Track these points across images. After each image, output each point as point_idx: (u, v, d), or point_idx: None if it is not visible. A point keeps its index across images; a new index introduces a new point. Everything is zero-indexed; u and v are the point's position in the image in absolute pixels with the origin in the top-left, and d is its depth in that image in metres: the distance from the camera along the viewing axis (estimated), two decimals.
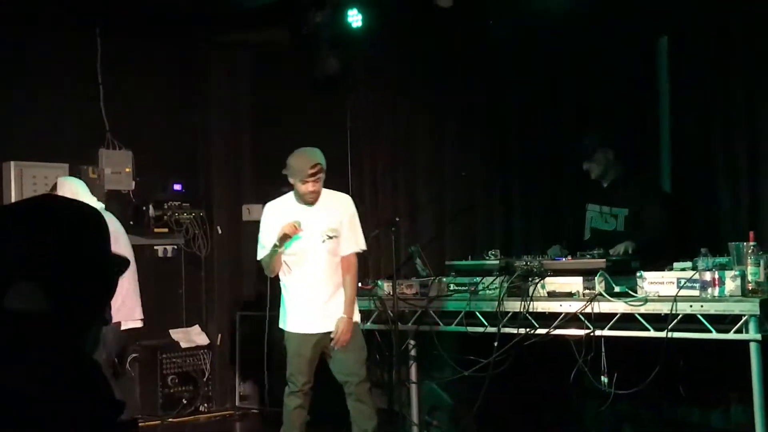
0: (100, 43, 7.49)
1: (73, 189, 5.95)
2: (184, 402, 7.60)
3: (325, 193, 5.46)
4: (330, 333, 5.36)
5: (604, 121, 6.31)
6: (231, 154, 8.45)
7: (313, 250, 5.32)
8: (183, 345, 7.72)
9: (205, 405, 7.86)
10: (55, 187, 6.11)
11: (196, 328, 8.02)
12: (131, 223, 7.36)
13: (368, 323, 6.06)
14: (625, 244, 5.57)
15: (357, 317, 5.49)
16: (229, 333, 8.26)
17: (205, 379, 7.85)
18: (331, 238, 5.33)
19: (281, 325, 5.51)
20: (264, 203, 8.31)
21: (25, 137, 7.09)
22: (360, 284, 6.29)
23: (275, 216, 5.42)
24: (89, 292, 1.68)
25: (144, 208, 7.45)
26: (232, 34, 8.05)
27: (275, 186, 8.28)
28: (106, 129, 7.53)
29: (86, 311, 1.69)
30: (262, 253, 5.42)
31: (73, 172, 7.29)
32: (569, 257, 5.48)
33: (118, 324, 5.89)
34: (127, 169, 7.58)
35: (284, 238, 5.26)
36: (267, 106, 8.37)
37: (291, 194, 5.49)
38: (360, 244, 5.47)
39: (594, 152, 5.91)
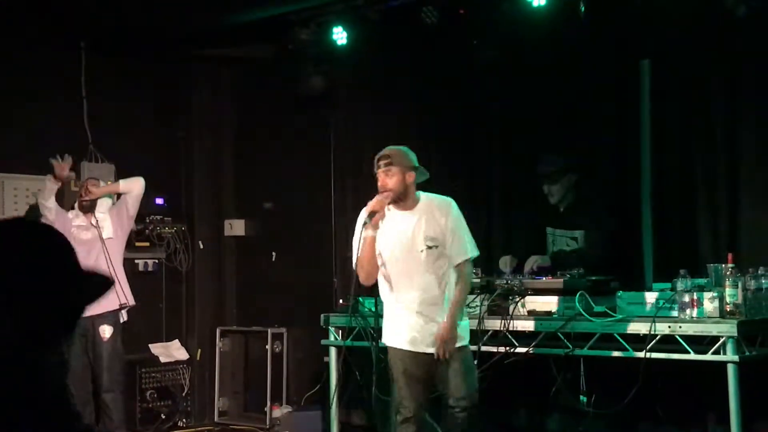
0: (85, 56, 7.51)
1: None
2: (163, 417, 7.57)
3: (425, 197, 4.92)
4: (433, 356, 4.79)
5: (586, 144, 6.35)
6: (213, 169, 8.46)
7: (412, 260, 4.78)
8: (162, 360, 7.70)
9: (184, 420, 7.83)
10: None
11: (176, 342, 8.00)
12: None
13: (349, 340, 6.06)
14: (534, 259, 5.70)
15: (464, 334, 4.83)
16: (209, 348, 8.24)
17: (184, 394, 7.83)
18: (431, 247, 4.76)
19: (384, 341, 4.99)
20: (245, 218, 8.40)
21: (8, 149, 7.08)
22: (341, 301, 6.31)
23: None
24: (51, 315, 1.68)
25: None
26: (216, 49, 8.07)
27: (257, 201, 8.32)
28: (89, 142, 7.52)
29: (50, 333, 1.69)
30: (355, 257, 4.89)
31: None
32: (549, 276, 5.50)
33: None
34: (110, 182, 7.56)
35: (374, 217, 4.73)
36: (250, 122, 8.39)
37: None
38: (469, 250, 4.84)
39: (560, 176, 5.96)
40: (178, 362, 7.78)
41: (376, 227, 4.74)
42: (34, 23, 7.04)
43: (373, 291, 5.91)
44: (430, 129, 7.21)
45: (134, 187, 6.64)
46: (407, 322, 4.80)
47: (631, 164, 6.23)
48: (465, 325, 4.84)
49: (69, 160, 6.41)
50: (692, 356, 4.72)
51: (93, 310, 5.59)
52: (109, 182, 6.91)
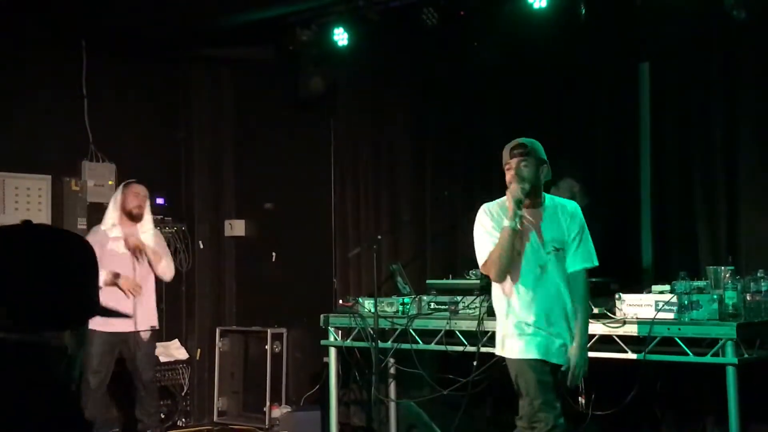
0: (86, 56, 7.52)
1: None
2: (162, 416, 7.57)
3: (550, 199, 4.63)
4: (560, 366, 4.48)
5: (585, 147, 6.37)
6: (213, 170, 8.47)
7: (538, 264, 4.47)
8: (162, 359, 7.70)
9: (183, 420, 7.84)
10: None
11: (176, 342, 8.01)
12: None
13: (348, 340, 6.08)
14: None
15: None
16: (208, 348, 8.25)
17: (183, 394, 7.84)
18: (558, 250, 4.49)
19: (499, 351, 4.62)
20: (245, 219, 8.41)
21: (9, 148, 7.10)
22: (341, 301, 6.33)
23: (493, 216, 4.58)
24: (59, 316, 1.71)
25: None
26: (216, 50, 8.09)
27: (257, 202, 8.34)
28: (90, 141, 7.54)
29: (56, 335, 1.71)
30: (485, 253, 4.51)
31: (56, 184, 7.31)
32: None
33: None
34: (110, 182, 7.59)
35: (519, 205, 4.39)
36: (250, 123, 8.41)
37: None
38: (591, 258, 4.56)
39: (560, 180, 5.96)
40: (177, 362, 7.79)
41: (519, 220, 4.39)
42: (35, 22, 7.06)
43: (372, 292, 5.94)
44: (429, 130, 7.22)
45: (167, 273, 6.91)
46: (531, 330, 4.45)
47: (630, 167, 6.24)
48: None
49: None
50: (691, 358, 4.73)
51: (126, 328, 6.42)
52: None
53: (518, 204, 4.37)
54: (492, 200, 6.85)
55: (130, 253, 6.61)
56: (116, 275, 6.48)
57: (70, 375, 1.76)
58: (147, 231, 6.77)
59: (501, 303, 4.55)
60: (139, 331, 6.60)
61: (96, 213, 7.48)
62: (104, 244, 6.49)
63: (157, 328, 6.88)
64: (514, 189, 4.41)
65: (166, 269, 6.85)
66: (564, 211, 4.57)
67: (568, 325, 4.47)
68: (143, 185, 6.80)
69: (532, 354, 4.41)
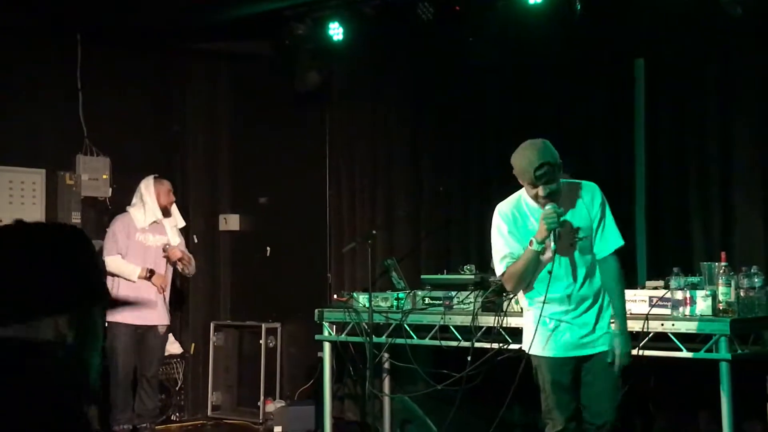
0: (81, 49, 7.50)
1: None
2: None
3: (566, 186, 4.37)
4: (590, 357, 4.35)
5: (580, 142, 6.37)
6: (209, 164, 8.46)
7: (561, 256, 4.28)
8: None
9: (177, 414, 7.84)
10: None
11: (170, 336, 8.00)
12: (107, 230, 7.34)
13: (342, 335, 6.08)
14: None
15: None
16: (203, 342, 8.25)
17: (177, 389, 7.84)
18: (582, 239, 4.30)
19: (525, 347, 4.53)
20: (240, 213, 8.41)
21: (3, 141, 7.08)
22: (335, 296, 6.33)
23: (509, 218, 4.42)
24: (51, 301, 1.71)
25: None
26: (212, 43, 8.07)
27: (252, 196, 8.33)
28: (85, 135, 7.52)
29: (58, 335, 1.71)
30: (503, 264, 4.39)
31: (50, 178, 7.30)
32: None
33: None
34: (105, 176, 7.58)
35: (544, 232, 4.19)
36: (246, 117, 8.39)
37: (522, 191, 4.44)
38: (618, 239, 4.36)
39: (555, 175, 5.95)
40: (171, 356, 7.78)
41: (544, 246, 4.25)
42: (30, 16, 7.03)
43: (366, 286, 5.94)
44: (424, 125, 7.22)
45: (193, 271, 7.32)
46: (553, 324, 4.35)
47: (625, 162, 6.24)
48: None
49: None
50: (685, 354, 4.74)
51: (149, 321, 6.84)
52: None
53: (551, 232, 4.18)
54: (488, 196, 6.88)
55: (169, 263, 6.98)
56: (151, 272, 6.82)
57: (75, 371, 1.75)
58: (179, 224, 7.20)
59: (523, 296, 4.48)
60: (157, 325, 6.92)
61: (90, 207, 7.48)
62: (131, 234, 6.85)
63: (169, 324, 7.13)
64: (549, 213, 4.18)
65: (193, 269, 7.27)
66: (583, 194, 4.35)
67: (599, 312, 4.32)
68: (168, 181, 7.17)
69: (550, 352, 4.35)
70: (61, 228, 1.81)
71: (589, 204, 4.34)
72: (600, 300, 4.35)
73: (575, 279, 4.30)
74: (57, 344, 1.71)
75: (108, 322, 6.83)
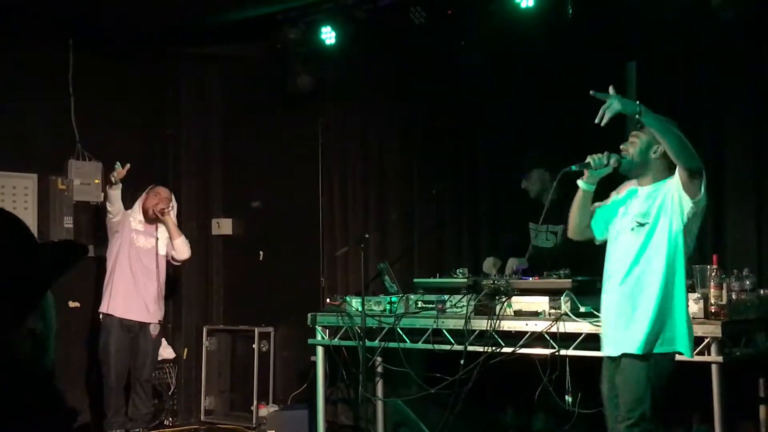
0: (73, 54, 7.49)
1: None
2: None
3: (662, 183, 4.34)
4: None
5: (572, 145, 6.38)
6: (201, 168, 8.46)
7: (621, 240, 4.32)
8: None
9: (170, 419, 7.82)
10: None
11: (163, 341, 7.98)
12: (98, 234, 7.34)
13: (335, 339, 6.07)
14: (512, 261, 5.76)
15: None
16: (195, 347, 8.23)
17: (170, 393, 7.82)
18: (642, 225, 4.26)
19: (677, 348, 4.32)
20: (233, 217, 8.40)
21: None
22: (328, 300, 6.32)
23: (618, 191, 4.47)
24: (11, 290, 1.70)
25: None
26: (204, 47, 8.07)
27: (245, 200, 8.32)
28: (77, 140, 7.51)
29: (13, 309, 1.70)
30: None
31: (42, 183, 7.28)
32: (536, 276, 5.51)
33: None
34: (96, 181, 7.57)
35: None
36: (238, 121, 8.39)
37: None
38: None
39: (531, 170, 6.02)
40: (164, 361, 7.77)
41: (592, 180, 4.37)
42: (22, 20, 7.03)
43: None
44: (417, 128, 7.23)
45: (183, 250, 7.21)
46: (602, 324, 4.39)
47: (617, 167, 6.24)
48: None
49: (127, 166, 6.96)
50: (677, 357, 4.74)
51: (142, 318, 6.86)
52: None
53: (592, 166, 4.32)
54: (480, 199, 6.90)
55: (153, 216, 7.01)
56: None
57: (40, 359, 1.75)
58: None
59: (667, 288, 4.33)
60: (149, 324, 6.94)
61: (82, 212, 7.47)
62: (126, 224, 6.99)
63: (162, 321, 7.13)
64: (610, 155, 4.33)
65: (183, 246, 7.17)
66: (662, 187, 4.27)
67: (653, 310, 4.19)
68: (167, 189, 7.23)
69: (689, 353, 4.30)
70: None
71: (662, 190, 4.28)
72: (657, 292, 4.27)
73: (628, 266, 4.29)
74: (27, 338, 1.71)
75: (102, 314, 6.85)
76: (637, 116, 4.04)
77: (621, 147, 4.38)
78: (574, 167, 4.42)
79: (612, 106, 4.03)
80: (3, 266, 1.69)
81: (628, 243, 4.30)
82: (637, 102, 4.03)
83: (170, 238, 7.10)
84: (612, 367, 4.40)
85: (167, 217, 7.06)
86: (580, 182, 4.45)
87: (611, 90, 4.11)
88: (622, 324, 4.29)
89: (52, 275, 1.78)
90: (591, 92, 4.14)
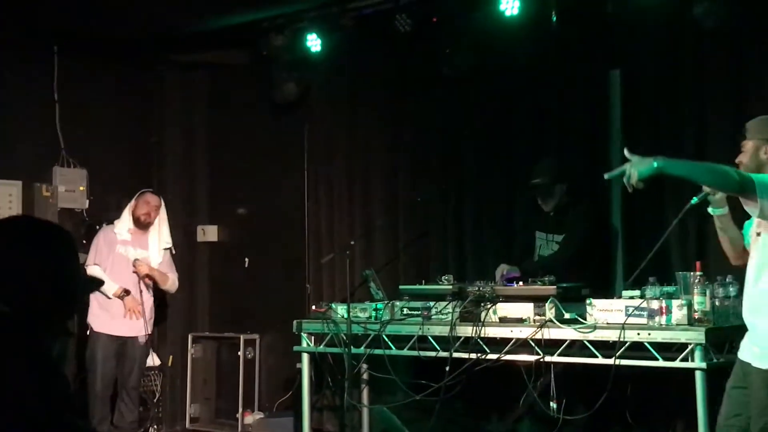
0: (58, 61, 7.47)
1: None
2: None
3: None
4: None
5: (556, 152, 6.41)
6: (187, 175, 8.44)
7: (752, 246, 4.15)
8: None
9: (156, 427, 7.79)
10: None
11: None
12: (84, 242, 7.31)
13: (321, 346, 6.07)
14: (502, 267, 5.77)
15: None
16: (180, 354, 8.21)
17: (155, 401, 7.79)
18: (758, 234, 4.08)
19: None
20: (219, 224, 8.39)
21: None
22: (314, 307, 6.33)
23: None
24: (48, 302, 1.80)
25: (97, 227, 7.40)
26: (190, 54, 8.07)
27: (230, 207, 8.31)
28: (61, 147, 7.49)
29: (46, 319, 1.79)
30: None
31: (27, 190, 7.26)
32: (520, 283, 5.54)
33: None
34: (81, 188, 7.55)
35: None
36: (224, 128, 8.38)
37: None
38: None
39: (554, 186, 5.99)
40: (149, 368, 7.73)
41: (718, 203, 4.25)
42: (6, 27, 7.00)
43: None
44: (403, 136, 7.25)
45: (172, 288, 7.30)
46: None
47: (601, 172, 6.27)
48: None
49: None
50: (661, 363, 4.77)
51: (131, 333, 6.86)
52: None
53: (710, 192, 4.20)
54: (466, 206, 6.91)
55: (138, 279, 6.94)
56: (126, 291, 6.83)
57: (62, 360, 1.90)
58: (165, 245, 7.17)
59: None
60: (137, 336, 6.90)
61: (67, 219, 7.44)
62: (113, 247, 6.90)
63: (150, 334, 7.07)
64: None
65: (172, 286, 7.23)
66: None
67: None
68: (157, 196, 7.16)
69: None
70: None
71: None
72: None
73: (754, 279, 4.10)
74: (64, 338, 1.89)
75: (90, 331, 6.83)
76: (659, 171, 3.81)
77: (736, 161, 4.22)
78: (695, 199, 4.37)
79: (631, 177, 3.83)
80: (64, 270, 1.88)
81: (752, 250, 4.16)
82: (653, 160, 3.80)
83: (160, 285, 7.08)
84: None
85: (154, 276, 7.02)
86: (711, 210, 4.34)
87: (628, 155, 3.92)
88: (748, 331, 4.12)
89: (86, 289, 1.98)
90: (605, 176, 4.09)
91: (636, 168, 3.80)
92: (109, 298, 6.75)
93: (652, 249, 5.94)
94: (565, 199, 6.03)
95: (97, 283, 2.40)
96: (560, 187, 6.01)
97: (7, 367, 1.70)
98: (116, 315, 6.82)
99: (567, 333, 4.99)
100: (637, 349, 4.84)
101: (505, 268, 5.79)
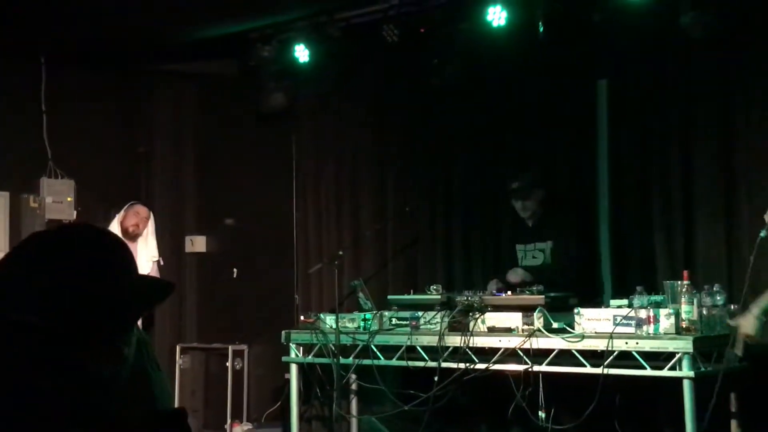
0: (45, 71, 7.46)
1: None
2: None
3: None
4: None
5: (544, 163, 6.44)
6: (175, 185, 8.42)
7: None
8: None
9: None
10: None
11: None
12: None
13: (309, 357, 6.06)
14: (524, 274, 5.73)
15: None
16: (169, 365, 8.18)
17: None
18: None
19: None
20: (207, 235, 8.37)
21: None
22: (302, 317, 6.32)
23: None
24: (86, 315, 1.69)
25: None
26: (178, 64, 8.06)
27: (219, 218, 8.30)
28: (49, 158, 7.47)
29: (85, 334, 1.69)
30: None
31: (14, 201, 7.23)
32: (509, 293, 5.55)
33: None
34: (69, 199, 7.52)
35: None
36: (212, 138, 8.37)
37: None
38: None
39: (531, 191, 6.03)
40: None
41: None
42: None
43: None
44: (391, 146, 7.26)
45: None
46: None
47: (588, 182, 6.31)
48: None
49: None
50: (649, 372, 4.78)
51: None
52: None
53: None
54: (454, 216, 6.92)
55: (133, 234, 6.96)
56: None
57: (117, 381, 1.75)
58: (152, 257, 7.16)
59: None
60: None
61: None
62: None
63: None
64: None
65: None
66: None
67: None
68: (146, 207, 7.16)
69: None
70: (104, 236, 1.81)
71: None
72: None
73: None
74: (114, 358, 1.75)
75: None
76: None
77: None
78: (763, 233, 4.43)
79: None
80: (105, 281, 1.70)
81: None
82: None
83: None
84: None
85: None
86: None
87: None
88: None
89: (140, 306, 1.80)
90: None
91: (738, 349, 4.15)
92: None
93: (639, 258, 6.00)
94: (542, 207, 6.05)
95: (162, 292, 1.83)
96: (538, 192, 6.03)
97: (30, 379, 1.63)
98: None
99: (555, 342, 5.00)
100: (625, 358, 4.85)
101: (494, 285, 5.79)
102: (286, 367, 6.36)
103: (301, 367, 6.20)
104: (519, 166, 6.38)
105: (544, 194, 6.05)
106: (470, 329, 5.29)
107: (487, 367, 5.27)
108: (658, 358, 4.81)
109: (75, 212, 7.52)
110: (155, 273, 7.17)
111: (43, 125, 7.46)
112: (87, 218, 7.58)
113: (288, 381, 6.35)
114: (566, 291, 5.42)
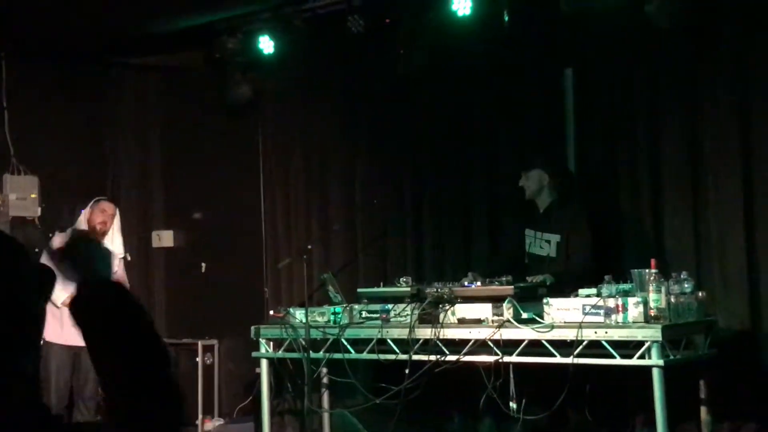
0: (5, 66, 7.35)
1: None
2: None
3: None
4: None
5: (511, 152, 6.43)
6: (141, 180, 8.33)
7: None
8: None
9: None
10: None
11: None
12: (36, 250, 7.18)
13: (280, 351, 6.03)
14: (544, 276, 5.59)
15: None
16: None
17: None
18: None
19: None
20: (174, 229, 8.29)
21: None
22: (272, 312, 6.28)
23: None
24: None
25: (50, 234, 7.29)
26: (142, 57, 7.97)
27: (186, 212, 8.23)
28: (11, 154, 7.36)
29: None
30: None
31: None
32: (478, 283, 5.51)
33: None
34: (33, 195, 7.42)
35: None
36: (178, 131, 8.29)
37: None
38: None
39: (532, 169, 5.91)
40: None
41: None
42: None
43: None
44: (357, 137, 7.23)
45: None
46: None
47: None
48: None
49: None
50: (618, 361, 4.79)
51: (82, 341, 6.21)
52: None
53: None
54: (422, 207, 6.90)
55: (100, 231, 6.84)
56: None
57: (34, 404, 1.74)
58: (119, 255, 7.03)
59: None
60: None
61: (19, 227, 7.31)
62: None
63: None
64: None
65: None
66: None
67: None
68: (112, 204, 7.04)
69: None
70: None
71: None
72: None
73: None
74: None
75: (42, 341, 6.70)
76: None
77: None
78: None
79: None
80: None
81: None
82: None
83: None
84: None
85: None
86: None
87: None
88: None
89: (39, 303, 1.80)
90: None
91: None
92: (58, 307, 6.64)
93: (607, 246, 5.99)
94: (549, 192, 5.94)
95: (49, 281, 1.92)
96: (539, 173, 5.90)
97: None
98: (66, 323, 6.72)
99: (525, 333, 5.00)
100: (594, 347, 4.86)
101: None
102: (257, 362, 6.32)
103: (272, 361, 6.16)
104: (487, 156, 6.36)
105: (546, 178, 5.88)
106: (440, 321, 5.28)
107: (458, 359, 5.26)
108: (627, 347, 4.82)
109: (39, 209, 7.42)
110: (122, 270, 7.10)
111: (5, 121, 7.35)
112: (52, 214, 7.50)
113: (259, 375, 6.31)
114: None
